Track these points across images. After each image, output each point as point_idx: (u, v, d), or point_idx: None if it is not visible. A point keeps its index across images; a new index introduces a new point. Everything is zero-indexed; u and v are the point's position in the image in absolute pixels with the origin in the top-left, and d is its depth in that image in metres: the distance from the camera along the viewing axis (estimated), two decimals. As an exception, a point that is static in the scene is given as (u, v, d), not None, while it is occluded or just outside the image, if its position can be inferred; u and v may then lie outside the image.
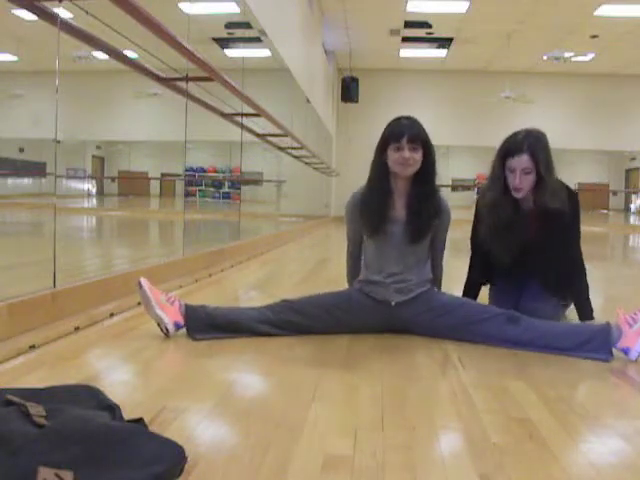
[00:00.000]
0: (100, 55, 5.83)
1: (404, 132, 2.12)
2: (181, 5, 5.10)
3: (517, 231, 2.34)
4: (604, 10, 9.93)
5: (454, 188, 16.81)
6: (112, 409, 1.22)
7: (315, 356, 1.98)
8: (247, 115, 4.93)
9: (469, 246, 2.58)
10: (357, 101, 13.87)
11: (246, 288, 3.66)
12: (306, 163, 9.29)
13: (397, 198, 2.21)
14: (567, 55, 12.00)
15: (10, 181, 15.23)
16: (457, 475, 1.14)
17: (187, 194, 13.28)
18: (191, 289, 3.20)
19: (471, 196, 14.58)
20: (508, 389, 1.67)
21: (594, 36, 11.41)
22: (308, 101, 9.46)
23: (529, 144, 2.27)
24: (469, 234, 2.57)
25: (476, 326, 2.13)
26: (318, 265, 4.91)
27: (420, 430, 1.36)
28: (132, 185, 19.42)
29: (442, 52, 13.17)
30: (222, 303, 2.40)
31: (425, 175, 2.18)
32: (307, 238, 8.20)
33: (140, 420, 1.21)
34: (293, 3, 7.98)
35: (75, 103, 9.65)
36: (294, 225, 9.47)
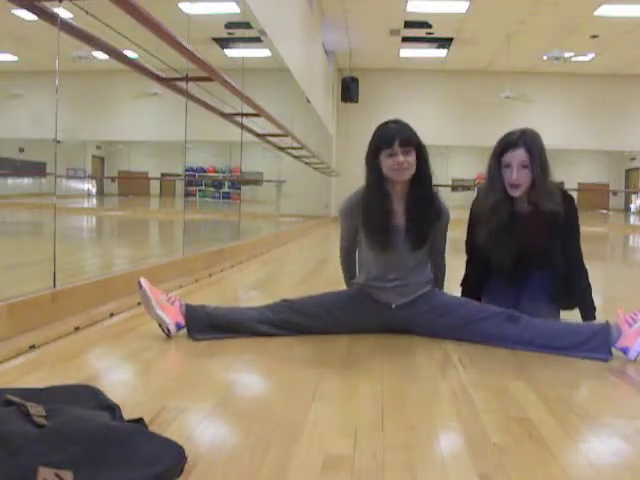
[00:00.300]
0: (100, 55, 5.83)
1: (395, 136, 2.08)
2: (181, 5, 5.11)
3: (515, 234, 2.33)
4: (604, 10, 9.93)
5: (454, 188, 16.82)
6: (112, 409, 1.22)
7: (315, 356, 1.98)
8: (247, 115, 4.94)
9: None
10: (357, 101, 13.88)
11: (246, 288, 3.66)
12: (306, 163, 9.30)
13: (396, 204, 2.19)
14: (567, 55, 12.00)
15: (10, 181, 15.24)
16: (457, 475, 1.14)
17: (187, 194, 13.29)
18: (191, 289, 3.20)
19: (471, 196, 14.58)
20: (508, 389, 1.67)
21: (594, 36, 11.42)
22: (308, 101, 9.46)
23: (525, 140, 2.26)
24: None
25: (476, 326, 2.13)
26: (318, 265, 4.91)
27: (420, 430, 1.36)
28: (132, 185, 19.43)
29: (442, 52, 13.17)
30: (222, 303, 2.40)
31: (421, 178, 2.16)
32: (307, 238, 8.20)
33: (140, 420, 1.21)
34: (293, 3, 7.98)
35: (75, 103, 9.66)
36: (294, 225, 9.47)
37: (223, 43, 8.26)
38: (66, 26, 2.51)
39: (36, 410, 1.09)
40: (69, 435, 1.03)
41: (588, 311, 2.34)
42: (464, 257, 2.55)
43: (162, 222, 10.41)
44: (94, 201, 17.36)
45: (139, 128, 14.87)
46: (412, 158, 2.10)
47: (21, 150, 14.66)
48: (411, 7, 10.34)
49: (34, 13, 2.34)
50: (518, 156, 2.25)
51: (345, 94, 13.91)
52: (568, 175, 14.55)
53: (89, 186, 18.62)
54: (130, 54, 3.65)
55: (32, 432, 1.02)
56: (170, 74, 3.77)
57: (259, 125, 5.65)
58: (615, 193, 18.71)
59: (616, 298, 3.45)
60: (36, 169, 14.27)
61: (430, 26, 11.41)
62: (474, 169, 16.66)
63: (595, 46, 11.98)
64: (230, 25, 7.55)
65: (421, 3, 10.21)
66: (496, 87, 13.90)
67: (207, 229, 8.32)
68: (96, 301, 2.42)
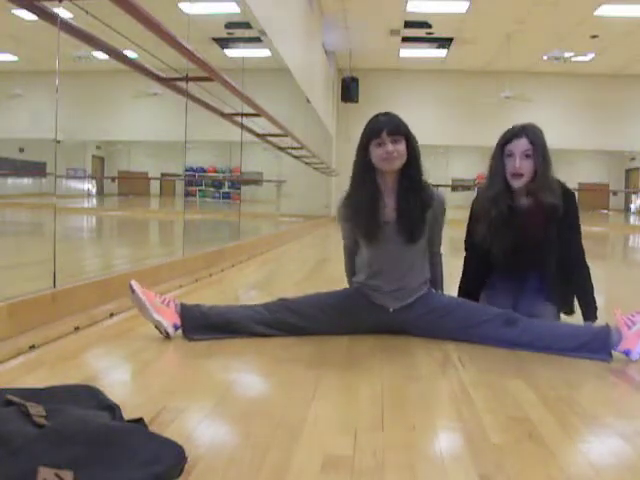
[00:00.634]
0: (100, 55, 5.83)
1: (383, 127, 2.09)
2: (181, 5, 5.11)
3: (514, 227, 2.33)
4: (604, 10, 9.93)
5: (454, 188, 16.81)
6: (112, 409, 1.22)
7: (315, 356, 1.98)
8: (247, 115, 4.94)
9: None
10: (357, 101, 13.88)
11: (246, 288, 3.66)
12: (306, 163, 9.30)
13: (386, 197, 2.17)
14: (567, 55, 12.01)
15: (10, 181, 15.25)
16: (457, 474, 1.14)
17: (187, 194, 13.30)
18: (191, 289, 3.20)
19: (471, 196, 14.58)
20: (508, 388, 1.67)
21: (594, 36, 11.42)
22: (308, 101, 9.46)
23: (527, 131, 2.28)
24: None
25: (474, 329, 2.12)
26: (318, 265, 4.91)
27: (420, 430, 1.36)
28: (132, 185, 19.43)
29: (442, 52, 13.18)
30: (222, 303, 2.39)
31: (411, 168, 2.14)
32: (307, 238, 8.20)
33: (140, 420, 1.21)
34: (293, 3, 7.98)
35: (75, 103, 9.66)
36: (294, 225, 9.46)
37: (223, 43, 8.27)
38: (66, 26, 2.51)
39: (36, 410, 1.09)
40: (69, 435, 1.03)
41: (589, 310, 2.33)
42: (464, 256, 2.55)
43: (162, 222, 10.41)
44: (94, 201, 17.36)
45: (139, 128, 14.87)
46: (401, 147, 2.09)
47: (21, 150, 14.66)
48: (411, 7, 10.34)
49: (34, 13, 2.34)
50: (521, 145, 2.25)
51: (345, 94, 13.91)
52: (568, 175, 14.44)
53: (89, 186, 18.62)
54: (130, 54, 3.65)
55: (32, 432, 1.02)
56: (170, 74, 3.77)
57: (259, 125, 5.65)
58: (615, 193, 18.70)
59: (616, 298, 3.45)
60: (36, 169, 14.28)
61: (430, 26, 11.41)
62: (474, 169, 16.66)
63: (595, 46, 11.98)
64: (230, 25, 7.56)
65: (421, 3, 10.22)
66: (496, 87, 13.90)
67: (207, 229, 8.32)
68: (96, 301, 2.42)
